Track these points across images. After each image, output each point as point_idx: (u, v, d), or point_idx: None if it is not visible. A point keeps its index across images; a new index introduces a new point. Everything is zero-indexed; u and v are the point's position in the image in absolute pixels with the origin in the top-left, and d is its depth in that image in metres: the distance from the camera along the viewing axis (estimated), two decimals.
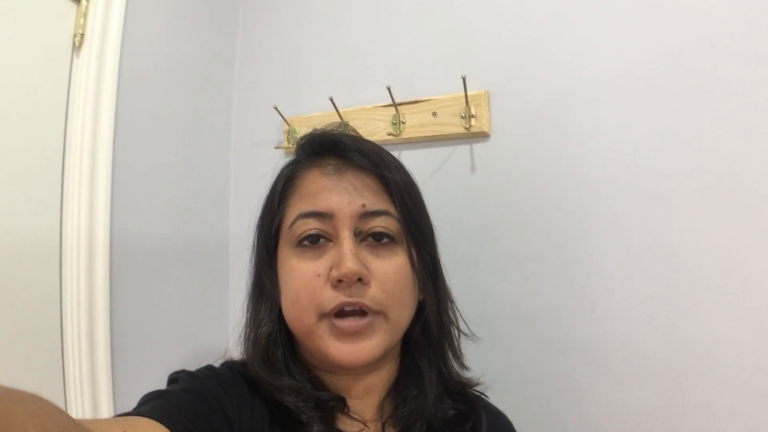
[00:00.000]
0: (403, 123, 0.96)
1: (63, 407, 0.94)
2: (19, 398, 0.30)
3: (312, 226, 0.57)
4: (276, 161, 1.11)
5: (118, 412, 0.93)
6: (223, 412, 0.51)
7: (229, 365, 0.59)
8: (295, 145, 1.05)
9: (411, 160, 0.96)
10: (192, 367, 1.06)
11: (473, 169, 0.92)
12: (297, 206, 0.59)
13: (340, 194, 0.57)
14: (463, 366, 0.65)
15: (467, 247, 0.91)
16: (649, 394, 0.77)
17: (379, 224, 0.57)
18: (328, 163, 0.60)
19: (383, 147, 0.63)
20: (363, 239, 0.57)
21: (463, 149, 0.93)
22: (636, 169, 0.80)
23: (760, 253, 0.72)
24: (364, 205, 0.57)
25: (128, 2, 1.01)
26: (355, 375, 0.59)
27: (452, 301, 0.65)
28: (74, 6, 0.98)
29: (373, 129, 0.98)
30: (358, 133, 0.65)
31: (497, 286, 0.89)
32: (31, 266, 0.90)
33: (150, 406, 0.48)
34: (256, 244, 0.65)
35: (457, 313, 0.65)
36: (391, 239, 0.58)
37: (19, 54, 0.90)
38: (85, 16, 0.98)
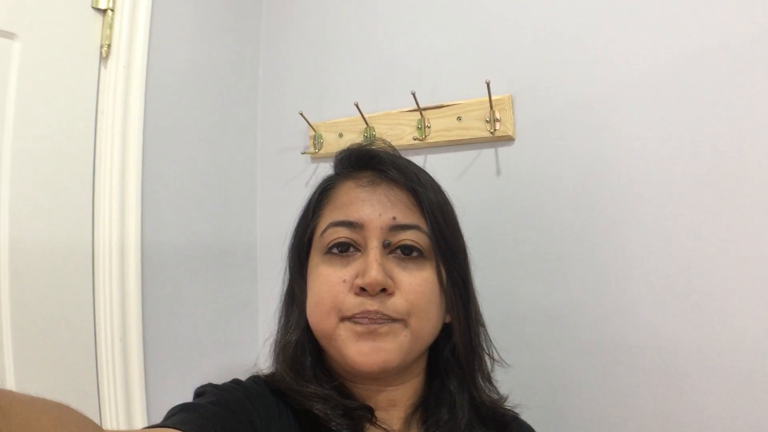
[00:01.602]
0: (428, 127, 0.98)
1: (97, 414, 0.96)
2: (43, 407, 0.30)
3: (342, 234, 0.58)
4: (302, 167, 1.13)
5: (151, 419, 0.96)
6: (251, 424, 0.52)
7: (255, 379, 0.60)
8: (319, 150, 1.08)
9: (436, 165, 0.99)
10: (223, 371, 1.09)
11: (498, 172, 0.94)
12: (330, 215, 0.60)
13: (372, 206, 0.58)
14: (495, 391, 0.65)
15: (493, 250, 0.92)
16: (675, 393, 0.78)
17: (408, 238, 0.58)
18: (363, 176, 0.61)
19: (414, 160, 0.65)
20: (392, 252, 0.58)
21: (488, 153, 0.95)
22: (662, 170, 0.81)
23: None
24: (395, 218, 0.58)
25: (153, 11, 1.03)
26: (378, 386, 0.59)
27: (483, 326, 0.65)
28: (100, 17, 1.00)
29: (399, 134, 1.00)
30: (395, 148, 0.67)
31: (523, 289, 0.90)
32: (64, 274, 0.92)
33: (178, 418, 0.48)
34: (290, 253, 0.66)
35: (488, 338, 0.65)
36: (420, 254, 0.58)
37: (48, 66, 0.92)
38: (111, 26, 0.99)
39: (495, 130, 0.92)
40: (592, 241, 0.86)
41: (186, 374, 1.03)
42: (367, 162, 0.63)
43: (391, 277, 0.55)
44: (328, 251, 0.58)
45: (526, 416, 0.70)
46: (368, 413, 0.57)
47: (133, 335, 0.96)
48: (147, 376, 0.97)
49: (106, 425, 0.94)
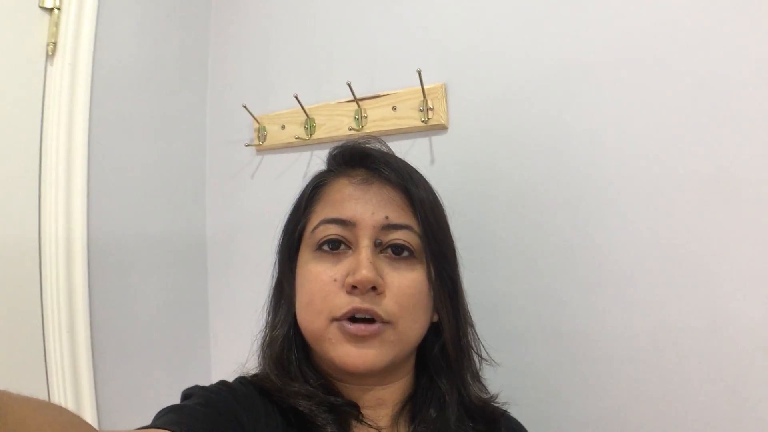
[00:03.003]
0: (365, 118, 0.98)
1: None
2: (39, 406, 0.31)
3: (333, 231, 0.58)
4: (248, 159, 1.14)
5: (100, 411, 0.98)
6: (239, 424, 0.52)
7: (241, 380, 0.60)
8: (263, 142, 1.09)
9: None
10: (171, 364, 1.10)
11: (432, 161, 0.94)
12: (322, 212, 0.60)
13: (365, 204, 0.58)
14: (483, 389, 0.65)
15: None
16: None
17: (400, 237, 0.58)
18: (356, 174, 0.62)
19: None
20: (383, 251, 0.58)
21: (422, 142, 0.95)
22: (595, 157, 0.80)
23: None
24: (387, 217, 0.58)
25: (99, 9, 1.04)
26: (365, 385, 0.59)
27: (471, 325, 0.66)
28: (47, 15, 1.02)
29: (337, 124, 1.01)
30: (389, 147, 0.67)
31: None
32: (11, 270, 0.94)
33: (167, 418, 0.48)
34: (280, 248, 0.66)
35: (477, 338, 0.66)
36: (411, 254, 0.59)
37: None
38: (57, 24, 1.01)
39: (428, 119, 0.92)
40: (525, 230, 0.85)
41: (135, 366, 1.05)
42: (360, 160, 0.63)
43: (381, 277, 0.56)
44: (319, 248, 0.58)
45: (514, 413, 0.70)
46: (354, 410, 0.57)
47: (80, 327, 0.98)
48: (95, 368, 0.99)
49: None
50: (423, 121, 0.92)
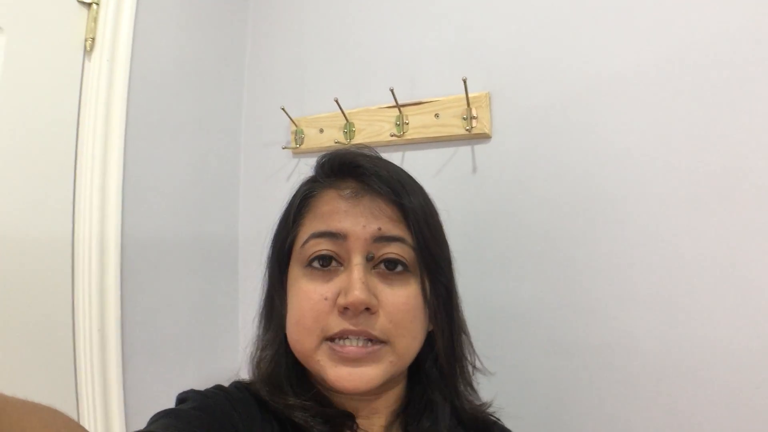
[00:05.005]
0: (407, 124, 0.98)
1: (75, 407, 0.97)
2: (33, 409, 0.31)
3: (324, 246, 0.55)
4: (284, 162, 1.14)
5: (129, 411, 0.97)
6: (234, 429, 0.51)
7: (237, 385, 0.59)
8: (300, 145, 1.08)
9: (414, 161, 0.99)
10: (201, 365, 1.10)
11: (474, 169, 0.94)
12: (311, 226, 0.58)
13: (355, 217, 0.56)
14: (476, 397, 0.65)
15: (468, 246, 0.93)
16: (650, 394, 0.78)
17: (392, 251, 0.56)
18: (346, 186, 0.59)
19: (392, 157, 0.64)
20: (375, 266, 0.56)
21: (464, 150, 0.95)
22: (638, 169, 0.81)
23: (765, 254, 0.72)
24: (380, 229, 0.55)
25: (138, 5, 1.03)
26: (358, 396, 0.58)
27: (466, 334, 0.64)
28: (85, 10, 1.00)
29: (378, 130, 1.00)
30: (378, 153, 0.65)
31: (498, 286, 0.90)
32: (44, 267, 0.93)
33: (162, 423, 0.48)
34: (269, 260, 0.64)
35: (471, 348, 0.64)
36: (405, 268, 0.56)
37: (32, 59, 0.92)
38: (95, 20, 1.00)
39: (472, 127, 0.92)
40: (566, 239, 0.86)
41: (164, 366, 1.04)
42: (349, 171, 0.60)
43: (374, 295, 0.54)
44: (309, 264, 0.56)
45: (508, 421, 0.69)
46: (349, 420, 0.56)
47: (111, 327, 0.97)
48: (125, 368, 0.98)
49: (84, 417, 0.95)
50: (467, 130, 0.92)
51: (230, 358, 1.15)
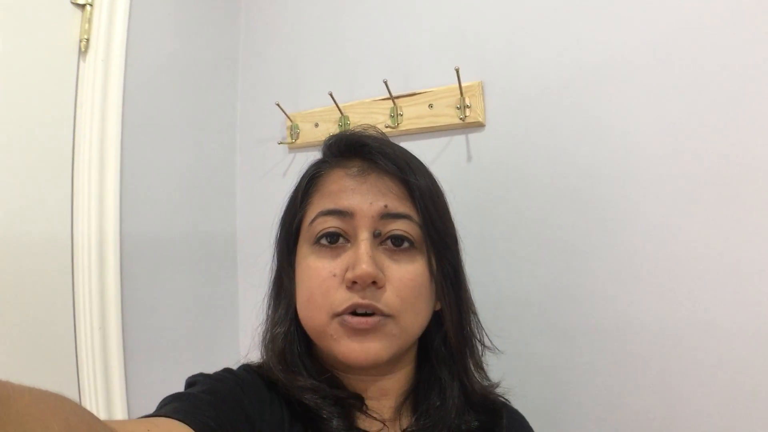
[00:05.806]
0: (401, 115, 0.99)
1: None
2: (41, 396, 0.31)
3: (331, 224, 0.57)
4: (280, 157, 1.14)
5: (131, 407, 0.98)
6: (244, 412, 0.51)
7: (246, 368, 0.60)
8: (296, 140, 1.09)
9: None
10: (202, 361, 1.10)
11: (469, 158, 0.95)
12: (319, 204, 0.59)
13: (362, 195, 0.57)
14: (485, 377, 0.65)
15: (464, 235, 0.93)
16: (651, 376, 0.78)
17: (399, 227, 0.57)
18: (352, 165, 0.60)
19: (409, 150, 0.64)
20: (382, 243, 0.57)
21: (459, 139, 0.96)
22: (631, 154, 0.81)
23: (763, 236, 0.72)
24: (386, 206, 0.56)
25: (132, 5, 1.04)
26: (369, 376, 0.59)
27: (474, 314, 0.64)
28: (79, 11, 1.01)
29: (372, 122, 1.00)
30: (385, 135, 0.66)
31: (494, 273, 0.91)
32: (44, 267, 0.94)
33: (171, 407, 0.48)
34: (277, 241, 0.65)
35: (480, 326, 0.64)
36: (411, 245, 0.57)
37: (27, 60, 0.93)
38: (89, 21, 1.01)
39: (465, 116, 0.93)
40: (563, 227, 0.86)
41: (165, 363, 1.04)
42: (356, 150, 0.61)
43: (381, 270, 0.55)
44: (317, 242, 0.57)
45: (514, 402, 0.70)
46: (359, 402, 0.57)
47: (112, 324, 0.98)
48: (126, 366, 0.99)
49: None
50: (460, 119, 0.93)
51: (230, 352, 1.15)
